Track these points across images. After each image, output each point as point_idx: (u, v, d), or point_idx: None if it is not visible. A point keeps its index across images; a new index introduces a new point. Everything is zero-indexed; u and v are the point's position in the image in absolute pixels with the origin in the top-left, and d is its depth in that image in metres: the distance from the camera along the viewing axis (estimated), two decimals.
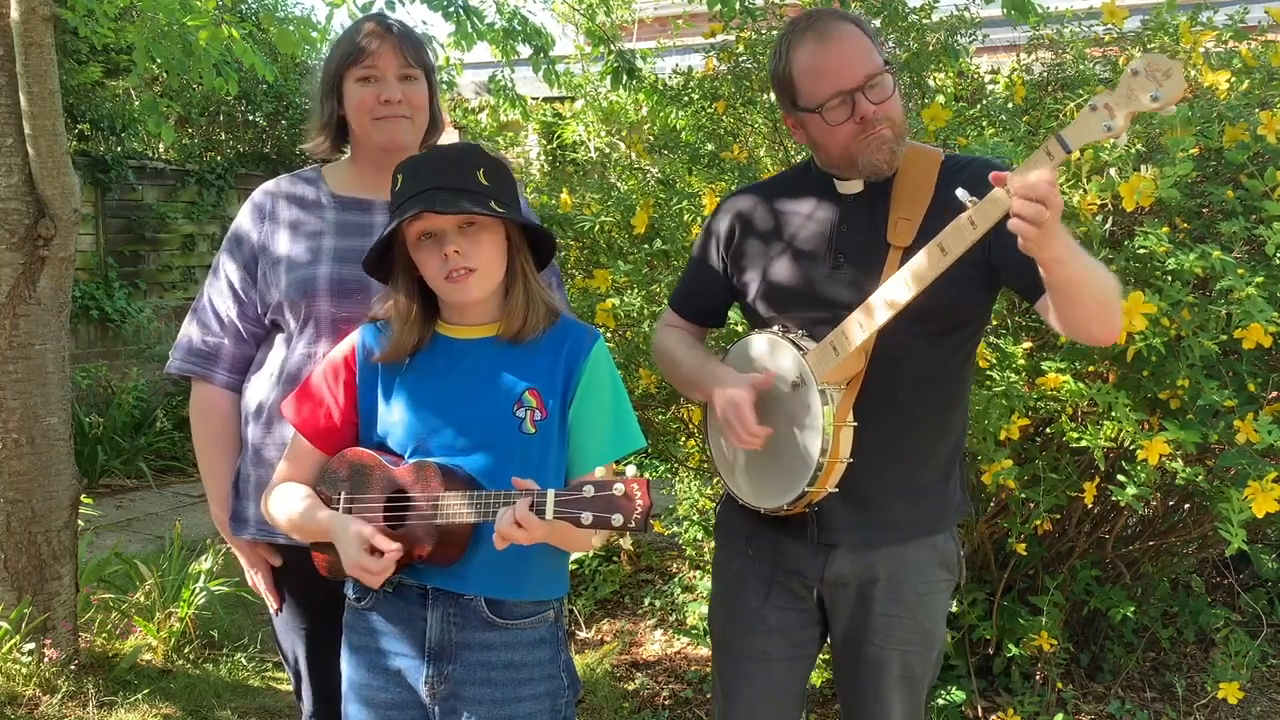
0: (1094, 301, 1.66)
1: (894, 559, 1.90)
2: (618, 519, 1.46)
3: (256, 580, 2.04)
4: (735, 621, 2.01)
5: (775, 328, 1.89)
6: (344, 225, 1.97)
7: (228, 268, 2.01)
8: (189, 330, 2.05)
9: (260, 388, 1.97)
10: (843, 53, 1.78)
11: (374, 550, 1.59)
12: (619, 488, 1.46)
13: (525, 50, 4.40)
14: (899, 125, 1.82)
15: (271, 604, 2.05)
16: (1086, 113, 1.53)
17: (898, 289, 1.70)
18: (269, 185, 2.06)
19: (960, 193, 1.60)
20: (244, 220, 2.03)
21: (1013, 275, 1.75)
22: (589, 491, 1.47)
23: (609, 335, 3.07)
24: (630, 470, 1.49)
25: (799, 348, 1.81)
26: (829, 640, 2.04)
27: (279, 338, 1.98)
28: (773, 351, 1.86)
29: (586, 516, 1.47)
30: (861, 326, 1.74)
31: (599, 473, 1.50)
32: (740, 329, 2.74)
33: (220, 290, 2.01)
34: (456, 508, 1.58)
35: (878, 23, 3.26)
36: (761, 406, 1.82)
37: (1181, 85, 1.49)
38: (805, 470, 1.79)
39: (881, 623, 1.91)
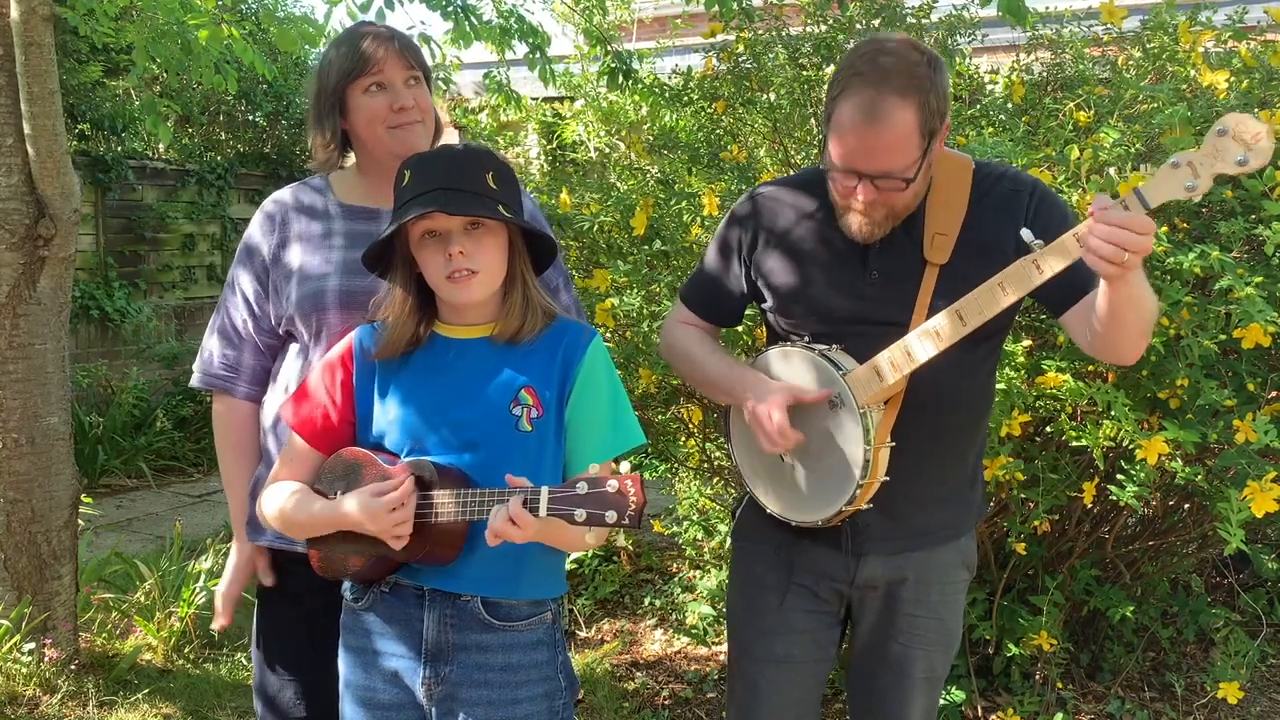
0: (1139, 324, 1.67)
1: (922, 561, 1.91)
2: (611, 515, 1.46)
3: (223, 590, 2.05)
4: (760, 625, 1.99)
5: (805, 339, 1.86)
6: (353, 235, 1.95)
7: (241, 281, 2.01)
8: (210, 345, 2.05)
9: (277, 402, 1.97)
10: (878, 142, 1.68)
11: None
12: (612, 484, 1.46)
13: (522, 49, 4.39)
14: (899, 211, 1.78)
15: (220, 619, 2.07)
16: (1167, 169, 1.52)
17: (950, 324, 1.69)
18: (277, 196, 2.05)
19: (1025, 234, 1.61)
20: (254, 232, 2.02)
21: (1043, 291, 1.72)
22: (582, 489, 1.47)
23: (608, 335, 3.07)
24: (624, 467, 1.49)
25: (836, 365, 1.79)
26: (845, 641, 2.04)
27: (293, 350, 1.98)
28: (805, 368, 1.83)
29: (580, 513, 1.47)
30: (909, 356, 1.73)
31: (593, 470, 1.50)
32: (740, 329, 2.75)
33: (236, 304, 2.02)
34: (450, 506, 1.58)
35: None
36: (796, 421, 1.81)
37: (1270, 151, 1.47)
38: (844, 490, 1.78)
39: (907, 623, 1.92)
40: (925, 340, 1.72)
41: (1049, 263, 1.61)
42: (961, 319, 1.69)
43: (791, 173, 2.63)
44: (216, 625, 2.07)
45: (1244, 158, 1.48)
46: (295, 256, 1.96)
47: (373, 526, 1.58)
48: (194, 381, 2.07)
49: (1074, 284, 1.71)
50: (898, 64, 1.69)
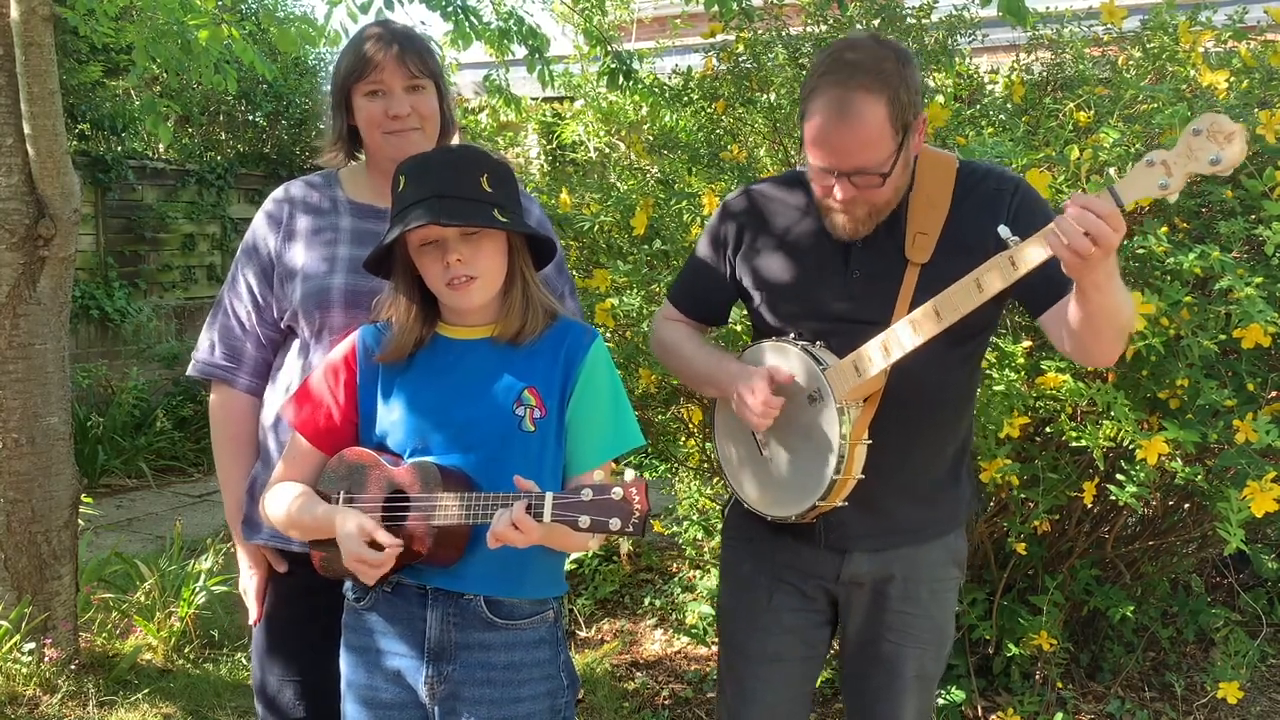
0: (1113, 330, 1.67)
1: (909, 558, 1.91)
2: (615, 523, 1.45)
3: (249, 586, 2.04)
4: (749, 623, 2.00)
5: (790, 336, 1.87)
6: (359, 233, 1.95)
7: (245, 274, 2.01)
8: (210, 335, 2.05)
9: (277, 400, 1.97)
10: (850, 138, 1.69)
11: (374, 545, 1.58)
12: (617, 491, 1.46)
13: (520, 50, 4.39)
14: (881, 207, 1.79)
15: (253, 614, 2.04)
16: (1142, 167, 1.52)
17: (927, 320, 1.69)
18: (282, 192, 2.04)
19: (1003, 230, 1.61)
20: (259, 227, 2.01)
21: (1022, 290, 1.73)
22: (587, 495, 1.47)
23: (608, 335, 3.07)
24: (629, 474, 1.49)
25: (818, 361, 1.79)
26: (837, 640, 2.04)
27: (294, 347, 1.98)
28: (790, 363, 1.84)
29: (584, 520, 1.47)
30: (886, 351, 1.73)
31: (597, 475, 1.50)
32: (739, 328, 2.75)
33: (239, 296, 2.01)
34: (454, 509, 1.58)
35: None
36: (779, 415, 1.81)
37: (1243, 150, 1.47)
38: (818, 485, 1.79)
39: (897, 620, 1.92)
40: (902, 336, 1.72)
41: (1024, 258, 1.60)
42: (938, 315, 1.69)
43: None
44: (253, 619, 2.05)
45: (1217, 157, 1.47)
46: (300, 252, 1.96)
47: (344, 559, 1.60)
48: (191, 370, 2.05)
49: (1052, 285, 1.71)
50: (864, 60, 1.71)
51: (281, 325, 1.99)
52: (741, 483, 1.95)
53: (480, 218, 1.62)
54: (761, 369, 1.83)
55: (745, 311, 2.15)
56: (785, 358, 1.85)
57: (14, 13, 3.13)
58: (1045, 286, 1.72)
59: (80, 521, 3.66)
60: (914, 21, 3.29)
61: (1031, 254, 1.60)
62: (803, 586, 1.95)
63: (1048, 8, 3.47)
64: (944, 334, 1.72)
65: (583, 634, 3.91)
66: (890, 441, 1.81)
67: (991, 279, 1.64)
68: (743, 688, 2.01)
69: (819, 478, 1.79)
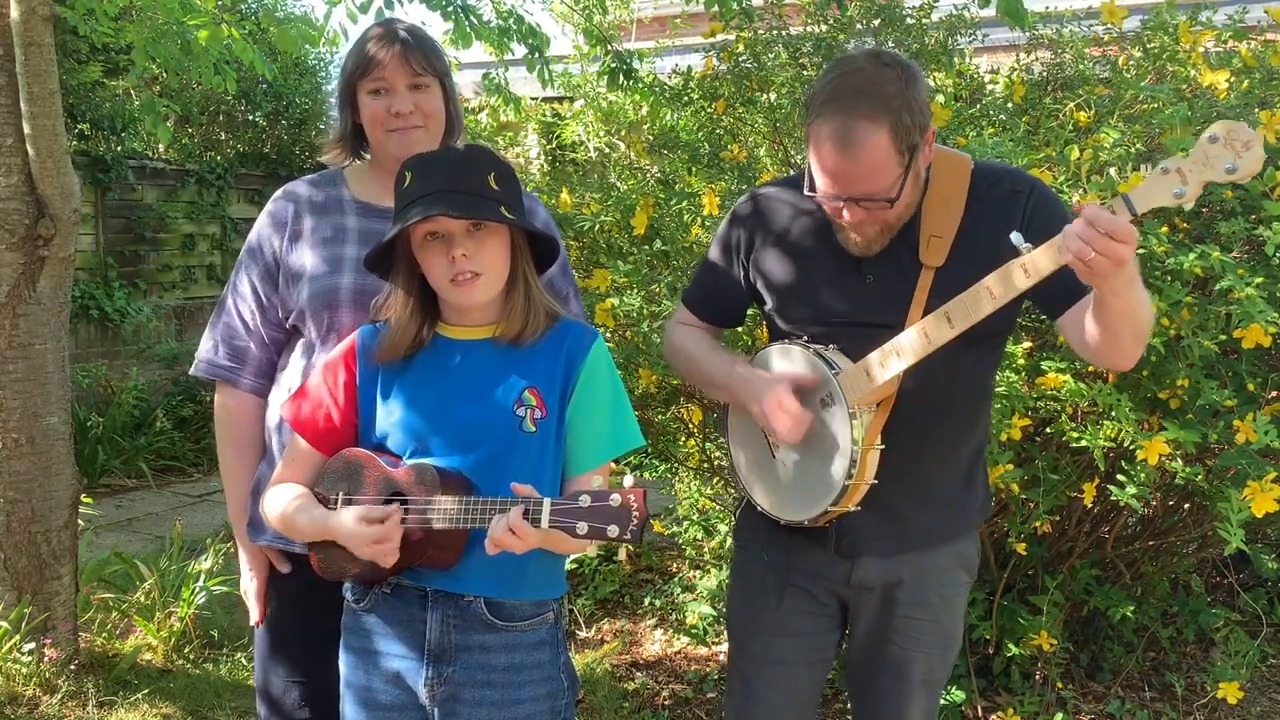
0: (1131, 334, 1.66)
1: (918, 563, 1.90)
2: (613, 529, 1.45)
3: (249, 587, 2.03)
4: (757, 625, 2.00)
5: (803, 338, 1.86)
6: (365, 233, 1.94)
7: (249, 273, 2.00)
8: (213, 335, 2.04)
9: (282, 401, 1.96)
10: (854, 168, 1.68)
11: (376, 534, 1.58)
12: (615, 498, 1.46)
13: (520, 49, 4.39)
14: (892, 224, 1.78)
15: (254, 614, 2.03)
16: (1157, 175, 1.51)
17: (939, 326, 1.68)
18: (290, 189, 2.03)
19: (1015, 237, 1.60)
20: (262, 228, 2.01)
21: (1038, 294, 1.72)
22: (585, 501, 1.47)
23: (608, 335, 3.07)
24: (628, 480, 1.49)
25: (830, 365, 1.79)
26: (845, 643, 2.04)
27: (298, 348, 1.97)
28: (799, 366, 1.83)
29: (582, 527, 1.47)
30: (898, 356, 1.72)
31: (596, 480, 1.50)
32: (739, 329, 2.75)
33: (243, 295, 2.01)
34: (452, 512, 1.58)
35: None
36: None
37: (1261, 158, 1.46)
38: (830, 490, 1.78)
39: (904, 624, 1.92)
40: (913, 341, 1.72)
41: (1035, 266, 1.59)
42: (949, 321, 1.68)
43: (792, 173, 2.63)
44: (255, 620, 2.05)
45: (1233, 165, 1.46)
46: (306, 252, 1.95)
47: (356, 552, 1.60)
48: (195, 370, 2.05)
49: (1068, 289, 1.70)
50: (865, 86, 1.68)
51: (287, 325, 1.98)
52: (753, 486, 1.95)
53: (488, 211, 1.61)
54: (783, 376, 1.81)
55: (754, 314, 2.15)
56: (794, 361, 1.84)
57: (14, 13, 3.13)
58: (1061, 290, 1.71)
59: (80, 521, 3.66)
60: (914, 21, 3.30)
61: (1043, 262, 1.59)
62: (812, 589, 1.95)
63: (1048, 8, 3.47)
64: (957, 338, 1.71)
65: (583, 634, 3.91)
66: (902, 445, 1.81)
67: (1003, 286, 1.63)
68: (750, 690, 2.01)
69: (831, 483, 1.78)
